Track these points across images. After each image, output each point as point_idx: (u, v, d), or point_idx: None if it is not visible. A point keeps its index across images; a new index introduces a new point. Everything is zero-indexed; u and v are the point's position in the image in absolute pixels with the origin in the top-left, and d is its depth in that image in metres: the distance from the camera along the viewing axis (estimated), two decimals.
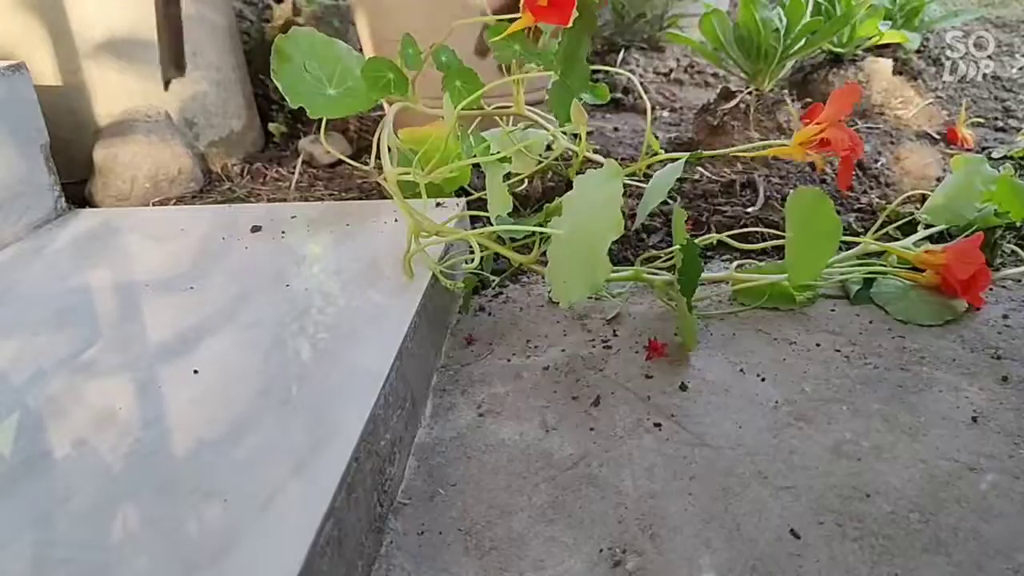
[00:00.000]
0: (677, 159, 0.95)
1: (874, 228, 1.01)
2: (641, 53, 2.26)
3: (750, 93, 1.46)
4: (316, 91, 0.91)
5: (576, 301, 0.74)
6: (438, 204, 1.07)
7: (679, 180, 1.34)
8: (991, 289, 0.97)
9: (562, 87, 0.94)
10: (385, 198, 1.26)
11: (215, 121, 1.45)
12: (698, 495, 0.66)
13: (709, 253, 1.09)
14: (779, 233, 0.95)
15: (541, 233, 0.87)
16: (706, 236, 1.01)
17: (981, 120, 1.65)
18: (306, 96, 0.90)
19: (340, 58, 0.93)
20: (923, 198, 1.19)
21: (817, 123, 0.84)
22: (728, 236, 1.02)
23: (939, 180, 1.29)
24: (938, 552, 0.59)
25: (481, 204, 1.02)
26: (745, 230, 1.08)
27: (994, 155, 1.39)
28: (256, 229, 1.05)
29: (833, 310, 0.94)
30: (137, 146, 1.28)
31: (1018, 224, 1.05)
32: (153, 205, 1.29)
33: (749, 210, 1.20)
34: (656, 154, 1.47)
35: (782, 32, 1.41)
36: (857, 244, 0.98)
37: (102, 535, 0.53)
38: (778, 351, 0.86)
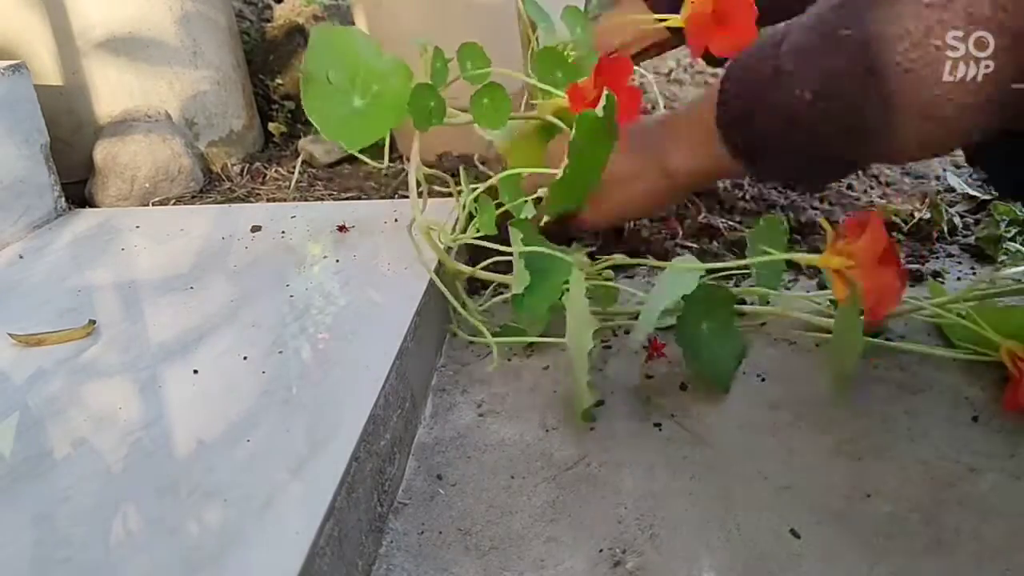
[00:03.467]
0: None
1: None
2: None
3: None
4: (342, 106, 0.82)
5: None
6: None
7: None
8: None
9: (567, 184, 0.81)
10: (384, 197, 1.26)
11: (215, 121, 1.45)
12: (698, 495, 0.66)
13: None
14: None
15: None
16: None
17: None
18: (333, 119, 0.81)
19: (359, 53, 0.83)
20: (923, 197, 1.19)
21: (848, 255, 0.66)
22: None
23: (939, 180, 1.29)
24: (938, 552, 0.59)
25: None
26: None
27: None
28: (256, 229, 1.05)
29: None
30: (137, 146, 1.28)
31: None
32: (153, 205, 1.29)
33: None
34: None
35: None
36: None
37: (102, 535, 0.53)
38: (778, 351, 0.85)
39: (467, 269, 0.89)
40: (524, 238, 0.80)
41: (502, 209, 0.83)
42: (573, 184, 0.81)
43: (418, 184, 0.87)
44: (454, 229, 0.91)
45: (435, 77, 0.84)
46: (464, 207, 0.88)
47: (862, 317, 0.68)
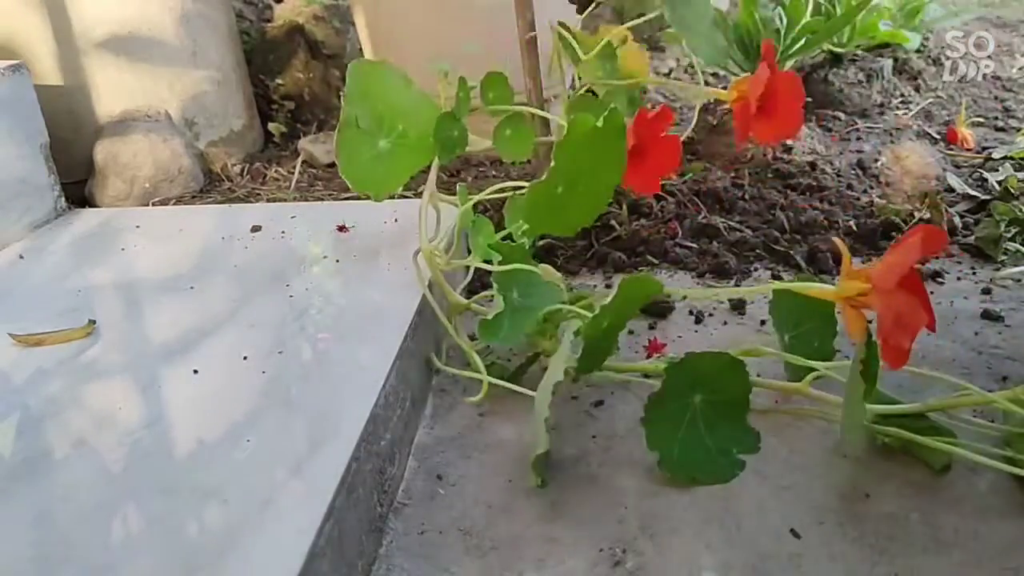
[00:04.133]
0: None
1: None
2: None
3: None
4: (367, 148, 0.81)
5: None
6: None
7: (681, 176, 1.33)
8: (990, 290, 0.97)
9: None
10: None
11: (215, 121, 1.45)
12: (698, 495, 0.66)
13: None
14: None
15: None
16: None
17: (981, 120, 1.65)
18: (359, 165, 0.80)
19: (387, 89, 0.83)
20: (923, 197, 1.19)
21: (867, 278, 0.59)
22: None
23: (939, 179, 1.29)
24: (938, 552, 0.59)
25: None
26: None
27: (994, 155, 1.38)
28: (256, 229, 1.05)
29: (837, 312, 0.94)
30: (137, 146, 1.28)
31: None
32: (153, 205, 1.29)
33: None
34: None
35: (782, 32, 1.41)
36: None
37: (102, 535, 0.53)
38: None
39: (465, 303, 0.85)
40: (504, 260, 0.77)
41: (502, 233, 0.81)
42: (565, 202, 0.78)
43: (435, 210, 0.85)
44: (448, 250, 0.87)
45: (459, 107, 0.84)
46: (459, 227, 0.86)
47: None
